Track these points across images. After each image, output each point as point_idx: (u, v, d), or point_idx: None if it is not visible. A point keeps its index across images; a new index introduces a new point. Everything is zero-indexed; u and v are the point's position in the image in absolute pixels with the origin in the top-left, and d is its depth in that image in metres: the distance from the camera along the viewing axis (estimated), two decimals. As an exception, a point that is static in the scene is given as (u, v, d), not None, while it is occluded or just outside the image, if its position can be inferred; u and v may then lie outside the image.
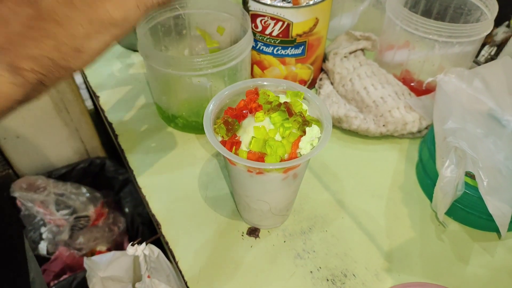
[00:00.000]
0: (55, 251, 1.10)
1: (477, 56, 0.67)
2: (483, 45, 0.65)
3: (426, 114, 0.55)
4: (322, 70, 0.64)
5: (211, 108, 0.39)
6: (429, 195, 0.51)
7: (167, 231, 0.47)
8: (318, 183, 0.52)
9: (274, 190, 0.40)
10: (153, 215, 0.48)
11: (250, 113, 0.39)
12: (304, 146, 0.37)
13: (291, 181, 0.39)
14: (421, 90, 0.60)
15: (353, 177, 0.53)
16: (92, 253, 1.15)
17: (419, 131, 0.57)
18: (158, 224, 0.47)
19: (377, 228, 0.48)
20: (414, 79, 0.61)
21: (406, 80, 0.62)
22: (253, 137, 0.37)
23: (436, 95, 0.54)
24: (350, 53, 0.62)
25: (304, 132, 0.37)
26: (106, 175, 1.16)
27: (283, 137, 0.36)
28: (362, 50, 0.63)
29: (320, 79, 0.63)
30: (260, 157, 0.36)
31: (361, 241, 0.47)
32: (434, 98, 0.54)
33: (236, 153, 0.37)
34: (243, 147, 0.37)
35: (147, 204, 0.49)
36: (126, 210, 1.12)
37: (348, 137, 0.58)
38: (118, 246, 1.16)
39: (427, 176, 0.50)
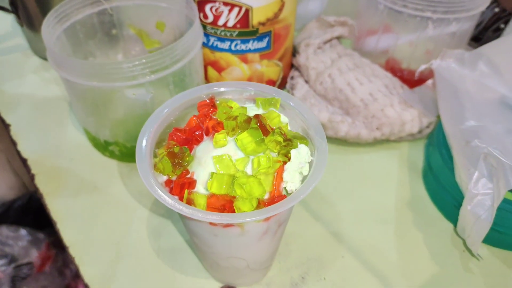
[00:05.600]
0: (-5, 308, 0.92)
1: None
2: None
3: (425, 109, 0.45)
4: (292, 66, 0.53)
5: (145, 141, 0.26)
6: (446, 212, 0.40)
7: (108, 307, 0.33)
8: (306, 214, 0.40)
9: (251, 244, 0.27)
10: (86, 286, 0.35)
11: (206, 135, 0.27)
12: (291, 177, 0.25)
13: (274, 229, 0.27)
14: (413, 80, 0.50)
15: (348, 198, 0.42)
16: (42, 303, 0.98)
17: (420, 131, 0.46)
18: (94, 297, 0.34)
19: (388, 264, 0.37)
20: (403, 69, 0.51)
21: (393, 70, 0.51)
22: (213, 173, 0.24)
23: (437, 86, 0.43)
24: (325, 42, 0.51)
25: (288, 158, 0.25)
26: (49, 211, 1.00)
27: (259, 170, 0.24)
28: (338, 38, 0.52)
29: (292, 78, 0.51)
30: (228, 202, 0.24)
31: (370, 286, 0.35)
32: (436, 89, 0.43)
33: (189, 199, 0.24)
34: (200, 187, 0.25)
35: (78, 269, 0.36)
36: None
37: (335, 147, 0.47)
38: (72, 292, 1.00)
39: (442, 189, 0.40)
